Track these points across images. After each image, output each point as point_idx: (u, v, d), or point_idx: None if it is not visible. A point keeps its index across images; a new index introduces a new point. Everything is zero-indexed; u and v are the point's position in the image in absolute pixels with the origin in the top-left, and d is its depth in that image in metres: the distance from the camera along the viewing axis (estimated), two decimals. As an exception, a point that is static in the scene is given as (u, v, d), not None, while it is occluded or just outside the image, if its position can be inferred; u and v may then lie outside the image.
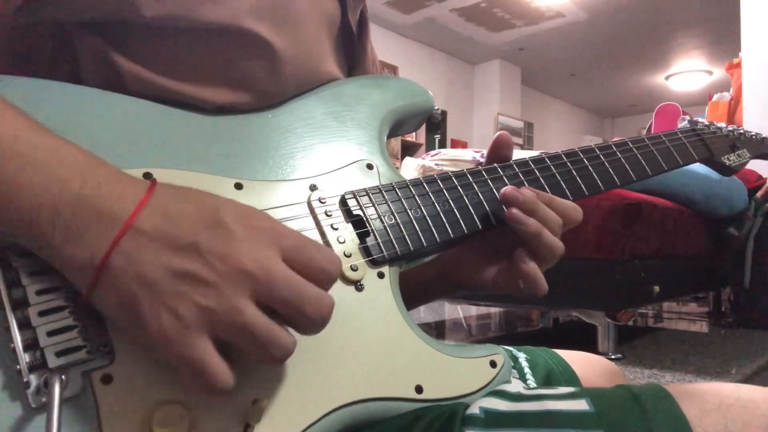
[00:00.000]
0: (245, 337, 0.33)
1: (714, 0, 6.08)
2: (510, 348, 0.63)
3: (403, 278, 0.51)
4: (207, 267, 0.33)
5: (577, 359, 0.65)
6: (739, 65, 3.93)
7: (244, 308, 0.32)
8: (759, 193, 2.69)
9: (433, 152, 2.50)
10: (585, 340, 2.22)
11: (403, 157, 4.77)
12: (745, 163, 0.74)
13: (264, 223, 0.35)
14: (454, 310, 3.68)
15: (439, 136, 7.84)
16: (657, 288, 2.13)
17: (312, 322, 0.34)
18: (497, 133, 0.56)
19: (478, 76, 8.57)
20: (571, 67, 8.60)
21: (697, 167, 2.41)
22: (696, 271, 2.63)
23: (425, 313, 3.57)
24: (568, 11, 6.64)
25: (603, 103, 10.67)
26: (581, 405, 0.39)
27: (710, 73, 8.55)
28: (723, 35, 6.92)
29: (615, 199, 1.97)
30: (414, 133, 7.43)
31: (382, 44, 6.84)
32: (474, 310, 3.64)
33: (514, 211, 0.48)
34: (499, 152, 0.55)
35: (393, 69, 7.03)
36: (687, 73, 8.64)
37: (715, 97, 4.21)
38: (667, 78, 8.90)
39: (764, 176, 2.81)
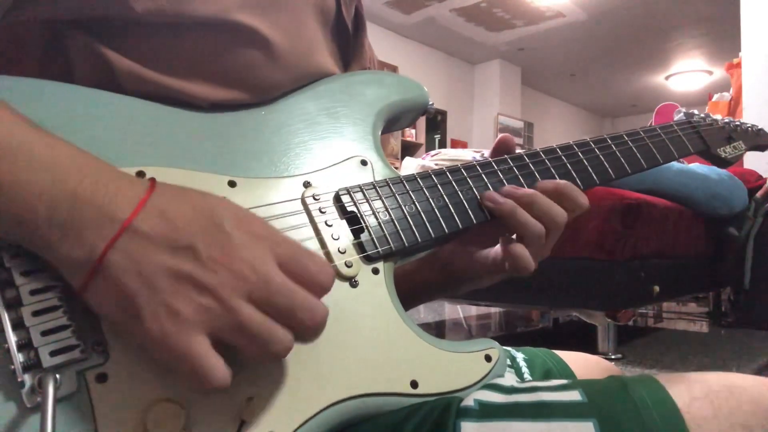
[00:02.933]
0: (243, 335, 0.33)
1: (714, 0, 6.08)
2: (508, 348, 0.63)
3: (403, 277, 0.51)
4: (204, 270, 0.33)
5: (576, 360, 0.65)
6: (739, 65, 3.93)
7: (241, 308, 0.33)
8: (759, 193, 2.69)
9: (432, 152, 2.50)
10: (585, 340, 2.22)
11: (402, 157, 4.78)
12: (741, 155, 0.74)
13: (261, 230, 0.36)
14: (454, 310, 3.68)
15: (439, 136, 7.85)
16: (657, 288, 2.13)
17: (305, 328, 0.35)
18: (500, 136, 0.56)
19: (478, 76, 8.57)
20: (571, 67, 8.60)
21: (697, 167, 2.42)
22: (696, 271, 2.63)
23: (425, 313, 3.57)
24: (568, 11, 6.64)
25: (603, 103, 10.67)
26: (573, 395, 0.40)
27: (710, 73, 8.55)
28: (723, 35, 6.91)
29: (615, 199, 1.97)
30: (414, 133, 7.44)
31: (382, 44, 6.84)
32: (474, 310, 3.64)
33: (488, 193, 0.50)
34: (501, 155, 0.55)
35: (393, 69, 7.02)
36: (687, 73, 8.64)
37: (715, 97, 4.21)
38: (667, 78, 8.90)
39: (764, 176, 2.81)
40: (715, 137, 0.72)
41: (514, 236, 0.51)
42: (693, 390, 0.38)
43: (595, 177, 0.57)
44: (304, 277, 0.35)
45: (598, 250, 1.97)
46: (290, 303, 0.34)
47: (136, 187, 0.35)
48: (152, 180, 0.36)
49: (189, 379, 0.32)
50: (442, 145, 7.73)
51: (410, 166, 2.46)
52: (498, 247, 0.52)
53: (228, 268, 0.33)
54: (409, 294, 0.54)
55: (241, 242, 0.34)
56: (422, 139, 7.64)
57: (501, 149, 0.56)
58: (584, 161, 0.57)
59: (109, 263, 0.32)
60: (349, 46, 0.62)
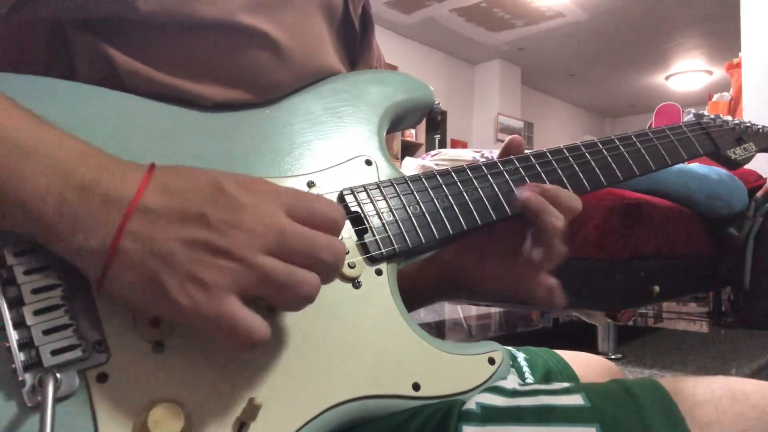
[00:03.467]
0: (270, 286, 0.34)
1: (714, 0, 6.08)
2: (509, 348, 0.63)
3: (406, 280, 0.51)
4: (218, 234, 0.33)
5: (576, 359, 0.65)
6: (739, 65, 3.93)
7: (262, 261, 0.34)
8: (759, 193, 2.69)
9: (433, 152, 2.50)
10: (585, 340, 2.22)
11: (403, 157, 4.77)
12: (752, 157, 0.73)
13: (263, 186, 0.37)
14: (454, 310, 3.68)
15: (439, 136, 7.84)
16: (657, 288, 2.13)
17: (327, 266, 0.36)
18: (510, 137, 0.56)
19: (478, 76, 8.56)
20: (571, 67, 8.60)
21: (698, 167, 2.41)
22: (696, 271, 2.63)
23: (425, 313, 3.56)
24: (568, 11, 6.64)
25: (603, 103, 10.67)
26: (576, 400, 0.40)
27: (710, 73, 8.55)
28: (723, 35, 6.91)
29: (615, 199, 1.97)
30: (414, 133, 7.44)
31: (382, 44, 6.78)
32: (474, 310, 3.64)
33: (527, 193, 0.49)
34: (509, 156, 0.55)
35: (393, 69, 7.01)
36: (687, 73, 8.63)
37: (715, 97, 4.22)
38: (667, 78, 8.90)
39: (764, 176, 2.81)
40: (725, 139, 0.70)
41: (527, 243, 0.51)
42: (696, 395, 0.38)
43: (602, 179, 0.56)
44: (314, 219, 0.36)
45: (598, 250, 1.97)
46: (307, 245, 0.35)
47: (138, 171, 0.35)
48: (152, 163, 0.36)
49: (230, 342, 0.33)
50: (442, 145, 7.73)
51: (410, 166, 2.46)
52: (520, 273, 0.52)
53: (240, 228, 0.34)
54: (411, 297, 0.54)
55: (247, 201, 0.35)
56: (422, 139, 7.64)
57: (510, 151, 0.55)
58: (591, 162, 0.56)
59: (124, 247, 0.32)
60: (355, 44, 0.61)
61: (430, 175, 0.50)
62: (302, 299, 0.35)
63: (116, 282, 0.33)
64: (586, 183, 0.55)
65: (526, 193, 0.50)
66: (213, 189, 0.35)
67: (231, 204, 0.34)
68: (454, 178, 0.51)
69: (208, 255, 0.33)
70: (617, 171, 0.57)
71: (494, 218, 0.50)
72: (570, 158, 0.56)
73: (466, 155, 2.34)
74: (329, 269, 0.36)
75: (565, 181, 0.54)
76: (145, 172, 0.35)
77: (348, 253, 0.44)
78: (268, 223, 0.34)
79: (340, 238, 0.37)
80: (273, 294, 0.34)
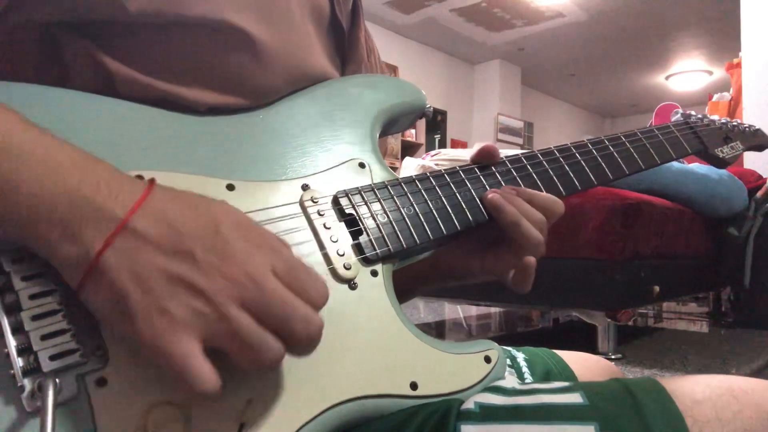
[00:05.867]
0: (235, 341, 0.33)
1: (714, 0, 6.07)
2: (509, 348, 0.63)
3: (394, 272, 0.51)
4: (201, 274, 0.33)
5: (576, 360, 0.65)
6: (739, 65, 3.93)
7: (234, 314, 0.33)
8: (759, 193, 2.69)
9: (432, 152, 2.50)
10: (585, 340, 2.22)
11: (402, 157, 4.78)
12: (738, 155, 0.75)
13: (260, 238, 0.36)
14: (454, 310, 3.68)
15: (438, 136, 7.84)
16: (657, 288, 2.13)
17: (299, 340, 0.34)
18: (483, 144, 0.55)
19: (478, 76, 8.56)
20: (571, 67, 8.59)
21: (697, 167, 2.41)
22: (696, 271, 2.63)
23: (425, 313, 3.56)
24: (568, 11, 6.64)
25: (603, 103, 10.67)
26: (575, 398, 0.40)
27: (710, 73, 8.55)
28: (723, 35, 6.91)
29: (615, 199, 1.97)
30: (414, 133, 7.44)
31: (382, 44, 6.78)
32: (474, 310, 3.64)
33: (493, 196, 0.50)
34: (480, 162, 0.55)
35: (393, 69, 7.02)
36: (687, 73, 8.63)
37: (715, 97, 4.21)
38: (667, 78, 8.89)
39: (764, 176, 2.81)
40: (713, 137, 0.72)
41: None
42: (695, 393, 0.38)
43: (593, 178, 0.57)
44: (299, 290, 0.35)
45: (598, 250, 1.97)
46: (284, 313, 0.34)
47: (136, 187, 0.35)
48: (152, 181, 0.36)
49: (178, 382, 0.32)
50: (442, 145, 7.73)
51: (410, 166, 2.46)
52: (494, 253, 0.53)
53: (224, 274, 0.33)
54: (400, 288, 0.54)
55: (239, 249, 0.34)
56: (422, 139, 7.63)
57: (483, 159, 0.55)
58: (582, 162, 0.57)
59: (105, 262, 0.32)
60: (344, 42, 0.61)
61: (423, 176, 0.51)
62: (261, 364, 0.34)
63: (92, 294, 0.33)
64: (577, 183, 0.56)
65: (489, 194, 0.50)
66: (208, 226, 0.34)
67: (222, 248, 0.34)
68: (447, 179, 0.52)
69: (186, 293, 0.32)
70: (607, 171, 0.58)
71: (486, 218, 0.51)
72: (561, 159, 0.57)
73: (466, 155, 2.34)
74: (299, 342, 0.34)
75: (557, 181, 0.55)
76: (142, 191, 0.35)
77: (344, 255, 0.44)
78: (252, 277, 0.33)
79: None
80: (234, 349, 0.33)
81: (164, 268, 0.33)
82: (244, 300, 0.33)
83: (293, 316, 0.34)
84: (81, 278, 0.33)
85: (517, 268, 0.52)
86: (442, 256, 0.57)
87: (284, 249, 0.37)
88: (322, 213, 0.45)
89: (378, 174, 0.51)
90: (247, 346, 0.33)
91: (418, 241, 0.47)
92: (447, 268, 0.57)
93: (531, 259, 0.51)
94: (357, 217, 0.46)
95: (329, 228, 0.45)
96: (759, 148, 0.81)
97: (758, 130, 0.80)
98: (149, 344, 0.32)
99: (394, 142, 7.04)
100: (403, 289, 0.57)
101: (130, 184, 0.35)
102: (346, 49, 0.62)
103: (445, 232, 0.49)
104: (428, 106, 0.59)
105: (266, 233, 0.37)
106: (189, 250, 0.33)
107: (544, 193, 0.52)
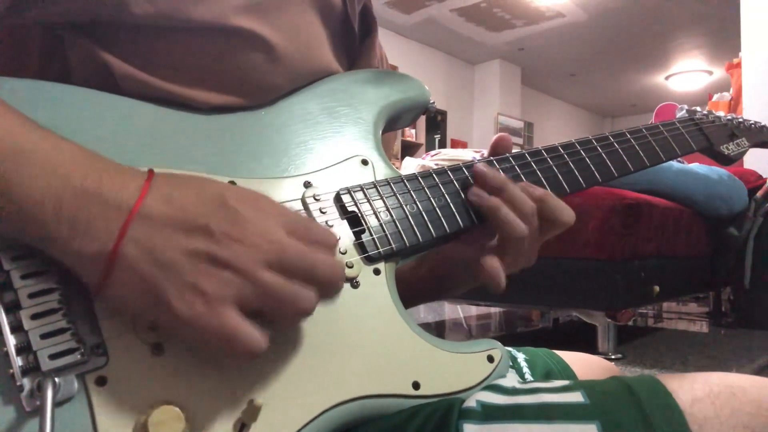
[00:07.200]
0: (269, 299, 0.34)
1: (714, 0, 6.08)
2: (509, 348, 0.63)
3: (397, 279, 0.51)
4: (221, 246, 0.34)
5: (576, 360, 0.65)
6: (739, 65, 3.93)
7: (262, 275, 0.34)
8: (759, 193, 2.69)
9: (433, 152, 2.50)
10: (585, 340, 2.22)
11: (403, 157, 4.78)
12: (745, 152, 0.74)
13: (265, 203, 0.38)
14: (454, 310, 3.68)
15: (439, 136, 7.84)
16: (657, 288, 2.13)
17: (327, 282, 0.37)
18: (497, 135, 0.55)
19: (478, 76, 8.56)
20: (571, 67, 8.59)
21: (697, 167, 2.41)
22: (696, 271, 2.63)
23: (425, 313, 3.56)
24: (568, 11, 6.64)
25: (603, 103, 10.67)
26: (576, 397, 0.40)
27: (710, 73, 8.55)
28: (723, 35, 6.91)
29: (615, 199, 1.97)
30: (414, 133, 7.43)
31: (382, 44, 6.82)
32: (474, 310, 3.64)
33: (475, 189, 0.49)
34: (498, 154, 0.55)
35: (393, 69, 7.01)
36: (687, 73, 8.63)
37: (715, 97, 4.22)
38: (667, 78, 8.89)
39: (764, 176, 2.81)
40: (719, 134, 0.71)
41: (493, 242, 0.50)
42: (695, 391, 0.38)
43: (597, 175, 0.56)
44: (313, 239, 0.37)
45: (598, 250, 1.97)
46: (307, 262, 0.36)
47: (138, 176, 0.35)
48: (150, 170, 0.36)
49: (228, 353, 0.34)
50: (442, 145, 7.73)
51: (410, 166, 2.46)
52: (476, 257, 0.51)
53: (242, 241, 0.34)
54: (404, 297, 0.54)
55: (250, 216, 0.35)
56: (422, 139, 7.63)
57: (497, 151, 0.55)
58: (587, 159, 0.57)
59: (125, 253, 0.32)
60: (355, 44, 0.61)
61: (426, 174, 0.50)
62: (299, 314, 0.36)
63: (116, 288, 0.33)
64: (581, 180, 0.55)
65: (475, 190, 0.49)
66: (216, 201, 0.35)
67: (234, 217, 0.35)
68: (450, 176, 0.51)
69: (210, 266, 0.33)
70: (612, 167, 0.58)
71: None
72: (565, 155, 0.56)
73: (466, 155, 2.34)
74: (327, 285, 0.37)
75: (561, 178, 0.54)
76: (144, 179, 0.35)
77: (346, 253, 0.44)
78: (269, 239, 0.35)
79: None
80: (271, 307, 0.35)
81: (184, 247, 0.33)
82: (267, 261, 0.34)
83: (315, 263, 0.36)
84: (103, 275, 0.33)
85: (487, 264, 0.49)
86: (442, 265, 0.57)
87: (289, 210, 0.39)
88: (324, 210, 0.45)
89: (381, 171, 0.50)
90: (282, 302, 0.35)
91: (421, 240, 0.47)
92: (449, 279, 0.57)
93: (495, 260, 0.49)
94: (359, 215, 0.46)
95: (331, 226, 0.45)
96: (765, 145, 0.80)
97: (764, 126, 0.79)
98: (191, 323, 0.33)
99: (395, 141, 7.02)
100: (407, 298, 0.57)
101: (132, 174, 0.35)
102: (358, 51, 0.61)
103: (448, 229, 0.48)
104: (432, 101, 0.59)
105: (268, 199, 0.38)
106: (203, 225, 0.34)
107: (558, 201, 0.50)
